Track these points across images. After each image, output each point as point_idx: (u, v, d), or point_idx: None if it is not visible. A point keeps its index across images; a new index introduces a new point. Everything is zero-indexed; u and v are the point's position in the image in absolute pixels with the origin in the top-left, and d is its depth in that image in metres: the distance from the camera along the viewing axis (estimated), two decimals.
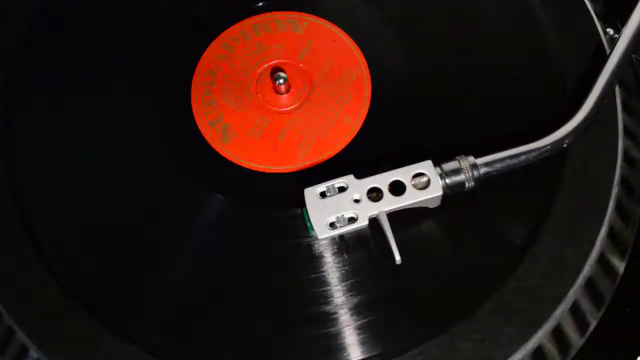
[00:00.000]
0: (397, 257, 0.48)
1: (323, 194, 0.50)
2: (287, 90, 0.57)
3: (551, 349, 0.49)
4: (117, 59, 0.60)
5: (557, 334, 0.49)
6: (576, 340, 0.50)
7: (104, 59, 0.60)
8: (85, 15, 0.62)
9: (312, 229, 0.49)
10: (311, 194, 0.50)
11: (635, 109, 0.57)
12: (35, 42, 0.60)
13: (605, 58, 0.53)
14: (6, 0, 0.62)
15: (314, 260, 0.51)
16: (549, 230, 0.50)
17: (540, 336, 0.48)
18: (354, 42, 0.59)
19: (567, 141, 0.51)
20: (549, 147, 0.50)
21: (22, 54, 0.60)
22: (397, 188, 0.50)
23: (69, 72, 0.59)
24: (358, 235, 0.51)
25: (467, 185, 0.50)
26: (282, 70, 0.57)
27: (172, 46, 0.60)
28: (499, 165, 0.50)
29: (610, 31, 0.59)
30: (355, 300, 0.50)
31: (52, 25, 0.61)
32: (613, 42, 0.54)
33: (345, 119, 0.56)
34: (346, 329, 0.49)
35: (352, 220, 0.50)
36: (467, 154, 0.51)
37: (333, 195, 0.50)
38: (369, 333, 0.49)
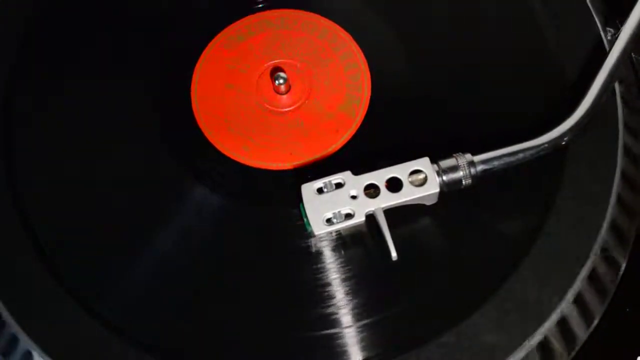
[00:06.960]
0: (394, 254, 0.48)
1: (320, 190, 0.50)
2: (287, 90, 0.57)
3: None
4: (117, 58, 0.60)
5: (548, 343, 0.49)
6: (562, 350, 0.50)
7: (104, 58, 0.60)
8: (84, 16, 0.62)
9: (309, 224, 0.49)
10: (308, 189, 0.50)
11: (636, 108, 0.57)
12: (35, 42, 0.61)
13: (604, 56, 0.53)
14: (6, 0, 0.63)
15: (313, 262, 0.51)
16: (548, 230, 0.50)
17: (531, 343, 0.48)
18: (353, 41, 0.59)
19: (565, 139, 0.51)
20: (546, 145, 0.50)
21: (22, 54, 0.60)
22: (394, 185, 0.50)
23: (68, 71, 0.60)
24: (358, 235, 0.51)
25: (464, 182, 0.50)
26: (282, 70, 0.57)
27: (172, 45, 0.60)
28: (496, 163, 0.50)
29: (610, 30, 0.59)
30: (355, 301, 0.49)
31: (52, 25, 0.62)
32: (612, 40, 0.54)
33: (344, 116, 0.56)
34: (346, 329, 0.49)
35: (348, 216, 0.49)
36: (464, 152, 0.50)
37: (330, 191, 0.50)
38: (369, 333, 0.48)
